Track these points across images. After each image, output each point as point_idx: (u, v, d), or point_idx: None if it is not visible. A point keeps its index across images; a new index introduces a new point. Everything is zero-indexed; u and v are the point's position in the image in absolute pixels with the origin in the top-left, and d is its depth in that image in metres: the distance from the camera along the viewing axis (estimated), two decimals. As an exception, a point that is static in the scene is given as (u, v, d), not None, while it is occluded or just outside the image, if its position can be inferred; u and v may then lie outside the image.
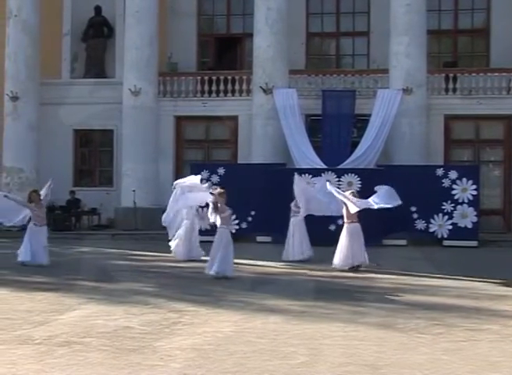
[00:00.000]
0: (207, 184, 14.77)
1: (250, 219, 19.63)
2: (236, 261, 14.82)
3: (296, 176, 16.00)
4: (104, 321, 8.36)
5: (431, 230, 19.37)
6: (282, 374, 6.11)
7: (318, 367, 6.31)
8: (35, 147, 23.85)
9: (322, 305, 9.74)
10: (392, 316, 8.80)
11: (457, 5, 24.77)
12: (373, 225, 18.89)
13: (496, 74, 22.71)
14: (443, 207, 19.30)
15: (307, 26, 25.28)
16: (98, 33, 25.39)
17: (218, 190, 12.81)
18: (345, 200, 13.91)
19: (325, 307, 9.56)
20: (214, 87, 23.69)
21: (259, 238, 18.96)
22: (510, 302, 10.07)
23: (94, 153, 25.37)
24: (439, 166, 20.21)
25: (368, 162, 21.16)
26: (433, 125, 22.37)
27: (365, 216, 18.90)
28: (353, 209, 13.77)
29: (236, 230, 15.88)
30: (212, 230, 16.87)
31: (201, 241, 18.79)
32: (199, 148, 24.40)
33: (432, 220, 19.35)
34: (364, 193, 19.20)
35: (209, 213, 12.86)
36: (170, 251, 15.88)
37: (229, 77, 23.69)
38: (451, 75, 22.78)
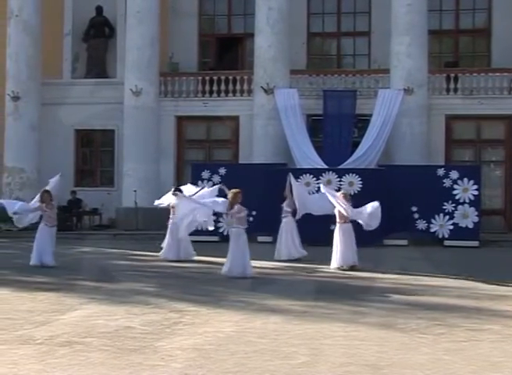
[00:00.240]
0: (218, 186, 14.65)
1: (251, 219, 19.54)
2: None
3: (291, 177, 15.96)
4: (105, 321, 8.36)
5: (432, 230, 19.37)
6: (283, 374, 6.11)
7: (319, 367, 6.31)
8: (36, 147, 23.86)
9: (323, 305, 9.73)
10: (394, 316, 8.80)
11: (458, 5, 24.77)
12: (374, 225, 18.96)
13: (497, 74, 22.70)
14: (444, 207, 19.29)
15: (308, 26, 25.29)
16: (99, 34, 25.40)
17: (234, 190, 12.82)
18: (338, 206, 14.01)
19: (326, 307, 9.56)
20: (215, 87, 23.70)
21: (260, 238, 18.95)
22: (511, 302, 10.06)
23: (95, 153, 25.38)
24: (440, 166, 20.21)
25: (369, 162, 21.16)
26: (434, 125, 22.37)
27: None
28: (345, 213, 13.88)
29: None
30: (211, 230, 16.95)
31: (201, 241, 18.85)
32: (200, 148, 24.40)
33: (432, 220, 19.35)
34: (365, 193, 19.33)
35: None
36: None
37: (230, 77, 23.69)
38: (452, 75, 22.78)
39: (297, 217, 15.65)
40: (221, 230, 19.44)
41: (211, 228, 13.94)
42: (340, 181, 19.52)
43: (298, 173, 19.88)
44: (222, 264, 14.53)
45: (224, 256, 15.14)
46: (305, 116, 22.55)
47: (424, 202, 19.17)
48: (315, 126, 22.57)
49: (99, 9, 25.27)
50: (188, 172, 22.24)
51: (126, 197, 22.86)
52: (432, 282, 12.09)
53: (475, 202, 19.29)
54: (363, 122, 22.06)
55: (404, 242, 18.89)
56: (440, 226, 19.33)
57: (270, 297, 10.33)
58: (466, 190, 19.27)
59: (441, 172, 19.50)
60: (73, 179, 24.62)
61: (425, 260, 15.37)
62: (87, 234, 21.66)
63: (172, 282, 12.10)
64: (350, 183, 19.54)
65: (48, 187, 14.77)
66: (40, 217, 14.53)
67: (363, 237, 18.42)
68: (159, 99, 23.78)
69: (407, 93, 21.64)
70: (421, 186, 19.18)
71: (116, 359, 6.51)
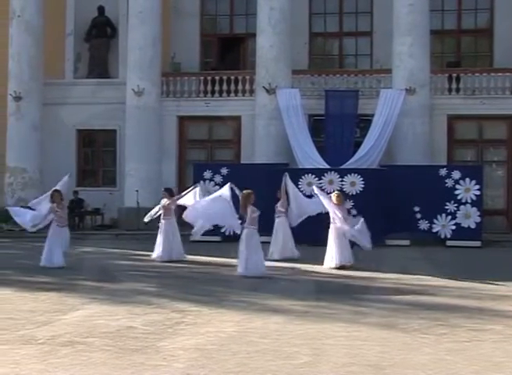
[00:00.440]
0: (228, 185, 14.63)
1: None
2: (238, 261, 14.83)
3: (287, 177, 15.94)
4: (107, 321, 8.36)
5: (434, 231, 19.35)
6: (285, 374, 6.11)
7: (321, 367, 6.31)
8: (38, 147, 23.87)
9: (325, 305, 9.73)
10: (395, 317, 8.79)
11: (461, 5, 24.73)
12: (376, 225, 18.93)
13: (500, 74, 22.68)
14: (446, 207, 19.28)
15: (310, 26, 25.28)
16: (101, 34, 25.41)
17: (246, 191, 13.04)
18: (330, 211, 14.16)
19: (327, 307, 9.56)
20: (217, 87, 23.70)
21: (262, 238, 18.93)
22: (514, 303, 10.06)
23: (97, 153, 25.39)
24: (442, 166, 20.19)
25: (371, 162, 21.14)
26: (436, 125, 22.35)
27: (368, 216, 18.98)
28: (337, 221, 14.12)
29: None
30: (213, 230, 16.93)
31: (203, 241, 18.86)
32: (202, 148, 24.40)
33: (435, 220, 19.33)
34: (367, 193, 19.34)
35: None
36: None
37: (232, 77, 23.68)
38: (454, 75, 22.75)
39: (294, 224, 15.62)
40: (222, 230, 19.44)
41: (237, 231, 13.52)
42: (342, 181, 19.51)
43: (300, 173, 19.90)
44: (223, 264, 14.57)
45: (226, 256, 15.18)
46: (307, 116, 22.53)
47: (426, 202, 19.16)
48: (317, 127, 22.55)
49: (101, 9, 25.28)
50: (190, 172, 22.25)
51: (128, 197, 22.86)
52: (433, 282, 12.08)
53: (477, 202, 19.27)
54: (365, 122, 22.04)
55: (406, 242, 18.88)
56: (442, 226, 19.32)
57: (272, 297, 10.33)
58: (468, 190, 19.26)
59: (443, 172, 19.49)
60: (75, 179, 24.58)
61: (427, 260, 15.37)
62: (89, 234, 21.66)
63: (173, 282, 12.10)
64: (352, 184, 19.54)
65: (57, 187, 14.69)
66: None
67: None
68: (161, 99, 23.79)
69: (409, 93, 21.63)
70: (423, 186, 19.16)
71: (118, 359, 6.51)
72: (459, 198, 19.27)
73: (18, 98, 23.55)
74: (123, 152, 23.78)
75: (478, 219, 19.21)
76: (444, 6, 24.64)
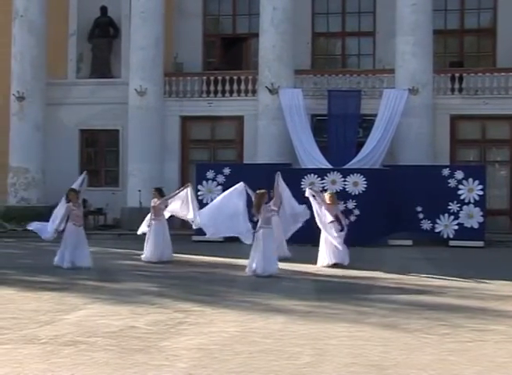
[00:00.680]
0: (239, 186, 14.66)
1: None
2: (242, 261, 14.85)
3: (280, 177, 15.94)
4: (109, 321, 8.37)
5: (437, 231, 19.33)
6: (287, 374, 6.10)
7: (324, 367, 6.31)
8: (41, 147, 23.88)
9: (327, 305, 9.73)
10: (398, 317, 8.79)
11: (463, 5, 24.70)
12: (379, 225, 18.96)
13: (503, 74, 22.63)
14: (449, 207, 19.25)
15: (312, 26, 25.25)
16: (104, 34, 25.41)
17: (259, 191, 13.27)
18: (316, 215, 14.40)
19: (330, 307, 9.56)
20: (219, 87, 23.69)
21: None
22: (517, 303, 10.05)
23: (99, 153, 25.39)
24: (445, 166, 20.17)
25: (374, 162, 21.12)
26: (439, 125, 22.32)
27: (371, 216, 19.00)
28: (328, 218, 14.30)
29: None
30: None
31: (205, 241, 18.86)
32: (205, 148, 24.39)
33: (437, 220, 19.31)
34: (370, 193, 19.32)
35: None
36: (175, 252, 15.87)
37: (235, 77, 23.67)
38: (457, 75, 22.71)
39: (288, 235, 15.56)
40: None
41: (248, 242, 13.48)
42: (345, 181, 19.50)
43: (303, 173, 19.90)
44: (226, 264, 14.58)
45: (229, 256, 15.20)
46: (310, 116, 22.52)
47: (429, 202, 19.13)
48: (320, 127, 22.53)
49: (104, 9, 25.28)
50: (193, 172, 22.24)
51: (131, 197, 22.86)
52: (436, 282, 12.07)
53: (480, 202, 19.25)
54: (367, 122, 22.02)
55: (409, 242, 18.86)
56: (445, 226, 19.29)
57: (274, 297, 10.33)
58: (471, 190, 19.23)
59: (446, 172, 19.47)
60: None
61: (430, 260, 15.35)
62: (92, 234, 21.56)
63: (176, 282, 12.10)
64: (355, 184, 19.53)
65: (73, 186, 14.62)
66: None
67: (367, 238, 18.52)
68: (164, 99, 23.78)
69: (411, 93, 21.60)
70: (426, 186, 19.14)
71: (121, 359, 6.52)
72: (462, 198, 19.25)
73: (21, 98, 23.56)
74: (126, 152, 23.79)
75: (481, 219, 19.18)
76: (447, 6, 24.60)
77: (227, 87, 23.61)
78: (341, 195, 19.34)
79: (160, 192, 15.57)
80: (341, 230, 14.60)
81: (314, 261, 14.37)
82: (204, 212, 14.56)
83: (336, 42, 25.69)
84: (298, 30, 23.15)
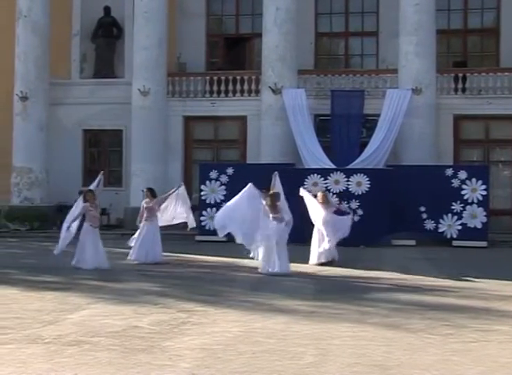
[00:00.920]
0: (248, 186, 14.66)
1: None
2: (245, 261, 14.86)
3: (277, 176, 15.93)
4: (113, 321, 8.38)
5: (440, 231, 19.31)
6: (290, 374, 6.10)
7: (327, 367, 6.31)
8: (44, 147, 23.90)
9: (330, 305, 9.73)
10: (401, 317, 8.78)
11: (467, 5, 24.66)
12: (382, 225, 18.94)
13: (506, 74, 22.58)
14: (453, 207, 19.23)
15: (315, 26, 25.24)
16: (107, 34, 25.42)
17: (273, 191, 13.56)
18: (310, 212, 14.66)
19: (333, 307, 9.56)
20: (223, 87, 23.69)
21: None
22: (520, 303, 10.03)
23: (103, 153, 25.41)
24: (449, 166, 20.15)
25: (377, 162, 21.11)
26: (442, 125, 22.29)
27: (374, 216, 18.99)
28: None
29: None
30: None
31: (208, 241, 18.87)
32: (208, 148, 24.40)
33: (441, 220, 19.29)
34: (373, 193, 19.31)
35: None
36: (178, 251, 15.88)
37: (238, 77, 23.67)
38: (460, 75, 22.68)
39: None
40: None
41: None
42: (348, 181, 19.50)
43: (306, 173, 19.90)
44: (229, 264, 14.58)
45: (231, 256, 15.19)
46: (313, 116, 22.50)
47: (432, 202, 19.11)
48: (323, 127, 22.52)
49: (107, 10, 25.30)
50: (196, 172, 22.25)
51: (134, 197, 22.85)
52: (439, 282, 12.06)
53: (484, 202, 19.22)
54: (371, 122, 22.00)
55: (412, 242, 18.84)
56: (448, 226, 19.27)
57: (277, 297, 10.33)
58: (474, 190, 19.21)
59: (449, 172, 19.45)
60: (81, 179, 24.63)
61: (433, 260, 15.35)
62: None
63: (179, 282, 12.11)
64: (358, 184, 19.52)
65: (91, 187, 14.53)
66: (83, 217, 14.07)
67: (371, 237, 18.52)
68: (167, 99, 23.79)
69: (415, 93, 21.58)
70: (430, 186, 19.13)
71: (124, 359, 6.52)
72: (465, 198, 19.22)
73: (24, 98, 23.58)
74: (129, 152, 23.79)
75: (485, 219, 19.16)
76: (450, 6, 24.57)
77: (230, 87, 23.61)
78: (344, 195, 19.38)
79: (152, 193, 15.34)
80: (346, 214, 15.32)
81: (300, 260, 14.38)
82: (219, 216, 14.53)
83: (339, 42, 25.68)
84: (301, 30, 23.14)
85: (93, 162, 25.35)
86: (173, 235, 17.81)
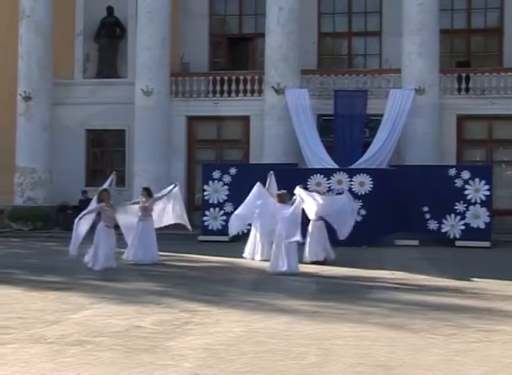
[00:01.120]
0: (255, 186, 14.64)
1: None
2: (247, 261, 14.88)
3: (273, 176, 15.89)
4: (115, 320, 8.38)
5: (443, 231, 19.29)
6: (293, 374, 6.10)
7: (330, 367, 6.30)
8: (47, 147, 23.94)
9: (333, 305, 9.72)
10: (404, 317, 8.77)
11: (470, 5, 24.64)
12: (385, 225, 18.93)
13: (510, 74, 22.56)
14: (456, 207, 19.21)
15: (319, 25, 25.23)
16: (110, 34, 25.45)
17: (282, 191, 13.67)
18: (306, 206, 14.48)
19: (335, 307, 9.55)
20: (226, 87, 23.70)
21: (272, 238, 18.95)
22: (523, 303, 10.01)
23: (106, 153, 25.44)
24: (452, 166, 20.12)
25: (380, 162, 21.10)
26: (446, 125, 22.28)
27: (377, 217, 18.98)
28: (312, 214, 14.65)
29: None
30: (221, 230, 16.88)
31: (210, 241, 18.88)
32: (211, 148, 24.41)
33: (444, 220, 19.27)
34: (376, 193, 19.30)
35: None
36: (181, 251, 15.89)
37: (241, 77, 23.68)
38: (464, 75, 22.67)
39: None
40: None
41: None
42: (351, 181, 19.48)
43: (309, 173, 19.88)
44: (232, 264, 14.58)
45: (234, 256, 15.20)
46: (316, 116, 22.50)
47: (435, 202, 19.09)
48: (326, 126, 22.52)
49: (110, 10, 25.32)
50: (199, 172, 22.26)
51: (137, 197, 22.81)
52: (442, 282, 12.04)
53: (487, 202, 19.20)
54: (374, 122, 22.00)
55: (415, 242, 18.82)
56: (451, 226, 19.25)
57: (280, 297, 10.32)
58: (477, 190, 19.18)
59: (452, 172, 19.43)
60: (84, 179, 24.68)
61: (436, 260, 15.33)
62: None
63: (182, 282, 12.10)
64: (361, 184, 19.50)
65: (104, 186, 14.43)
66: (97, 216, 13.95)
67: (373, 237, 18.51)
68: (170, 99, 23.80)
69: (418, 93, 21.57)
70: (433, 186, 19.11)
71: (127, 359, 6.52)
72: (468, 198, 19.20)
73: (27, 98, 23.62)
74: (132, 152, 23.82)
75: (488, 220, 19.13)
76: (453, 6, 24.56)
77: (233, 87, 23.62)
78: (347, 195, 19.37)
79: (148, 192, 15.18)
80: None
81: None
82: (234, 218, 14.61)
83: (343, 42, 25.67)
84: (304, 30, 23.14)
85: (96, 162, 25.38)
86: (176, 235, 17.82)
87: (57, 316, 8.68)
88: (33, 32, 23.69)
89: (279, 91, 22.27)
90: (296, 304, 9.68)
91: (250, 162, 23.07)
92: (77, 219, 13.95)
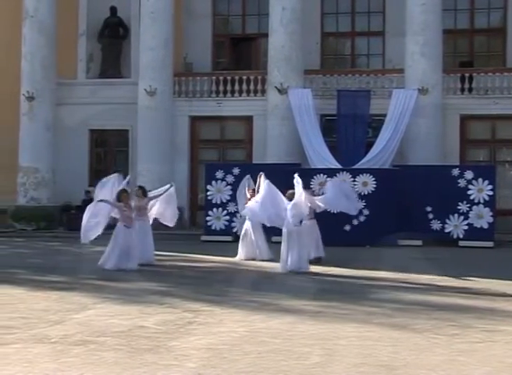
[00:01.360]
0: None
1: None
2: (250, 261, 14.88)
3: (263, 177, 15.87)
4: (119, 320, 8.38)
5: (446, 231, 19.29)
6: (296, 374, 6.10)
7: (333, 367, 6.30)
8: (51, 147, 23.97)
9: (336, 305, 9.72)
10: (407, 317, 8.77)
11: (473, 5, 24.62)
12: (388, 225, 18.93)
13: (513, 74, 22.57)
14: (459, 207, 19.20)
15: (322, 25, 25.24)
16: (114, 34, 25.47)
17: (290, 191, 13.67)
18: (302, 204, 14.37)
19: (339, 307, 9.55)
20: (229, 87, 23.71)
21: (274, 238, 18.93)
22: (527, 303, 10.00)
23: (109, 153, 25.46)
24: (455, 166, 20.12)
25: (384, 162, 21.09)
26: (449, 125, 22.26)
27: (380, 217, 18.98)
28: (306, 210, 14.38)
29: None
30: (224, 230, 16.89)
31: (214, 241, 18.88)
32: (214, 148, 24.42)
33: (447, 221, 19.26)
34: (380, 193, 19.30)
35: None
36: (184, 251, 15.89)
37: (244, 77, 23.69)
38: (467, 75, 22.65)
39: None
40: (234, 230, 19.49)
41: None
42: (354, 181, 19.48)
43: (312, 173, 19.88)
44: (235, 264, 14.58)
45: (236, 256, 15.20)
46: (319, 116, 22.51)
47: (438, 202, 19.09)
48: (329, 126, 22.52)
49: (113, 10, 25.34)
50: (202, 172, 22.27)
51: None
52: (445, 282, 12.03)
53: (490, 202, 19.19)
54: (377, 122, 21.99)
55: (419, 242, 18.82)
56: (455, 226, 19.24)
57: (283, 297, 10.32)
58: (481, 190, 19.18)
59: (456, 172, 19.42)
60: (88, 179, 24.69)
61: (439, 260, 15.32)
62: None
63: (185, 281, 12.11)
64: (364, 184, 19.50)
65: (121, 186, 14.14)
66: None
67: (377, 238, 18.51)
68: (173, 99, 23.82)
69: (421, 93, 21.55)
70: (436, 186, 19.10)
71: (130, 359, 6.53)
72: (471, 198, 19.19)
73: (31, 98, 23.65)
74: (135, 152, 23.83)
75: (491, 220, 19.13)
76: (457, 5, 24.54)
77: (236, 87, 23.63)
78: (350, 195, 19.36)
79: (143, 191, 15.10)
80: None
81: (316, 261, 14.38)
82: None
83: (346, 42, 25.67)
84: (307, 30, 23.14)
85: (99, 162, 25.41)
86: (178, 235, 17.84)
87: (60, 315, 8.68)
88: (36, 32, 23.73)
89: (282, 91, 22.27)
90: (299, 304, 9.68)
91: (253, 162, 23.06)
92: (92, 203, 13.86)
